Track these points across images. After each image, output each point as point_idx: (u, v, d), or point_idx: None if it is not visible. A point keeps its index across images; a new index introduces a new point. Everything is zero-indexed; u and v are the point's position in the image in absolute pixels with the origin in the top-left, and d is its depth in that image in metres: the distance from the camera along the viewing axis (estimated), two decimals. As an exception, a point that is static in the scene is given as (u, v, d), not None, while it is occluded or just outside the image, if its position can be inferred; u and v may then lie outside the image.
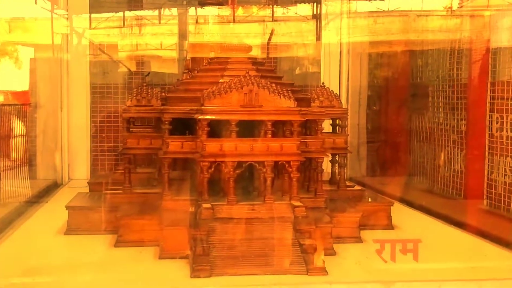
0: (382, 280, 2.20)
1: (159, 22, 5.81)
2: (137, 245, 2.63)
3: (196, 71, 3.48)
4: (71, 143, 4.34)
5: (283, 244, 2.41)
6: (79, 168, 4.38)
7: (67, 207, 2.90)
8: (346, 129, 3.12)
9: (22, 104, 4.74)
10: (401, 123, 4.74)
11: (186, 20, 5.18)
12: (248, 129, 2.63)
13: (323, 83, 3.25)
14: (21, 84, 4.76)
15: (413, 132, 4.59)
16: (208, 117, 2.57)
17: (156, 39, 5.43)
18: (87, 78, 4.40)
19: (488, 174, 3.77)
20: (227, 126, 2.58)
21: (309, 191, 2.88)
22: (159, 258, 2.47)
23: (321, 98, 3.04)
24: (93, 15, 4.79)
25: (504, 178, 3.57)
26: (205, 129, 2.56)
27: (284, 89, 2.66)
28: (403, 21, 4.94)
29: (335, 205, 2.88)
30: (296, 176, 2.62)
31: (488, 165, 3.77)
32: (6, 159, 4.43)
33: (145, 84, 3.13)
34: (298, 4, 5.48)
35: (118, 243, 2.66)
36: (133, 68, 5.07)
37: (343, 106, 3.21)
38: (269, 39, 4.53)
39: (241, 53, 2.95)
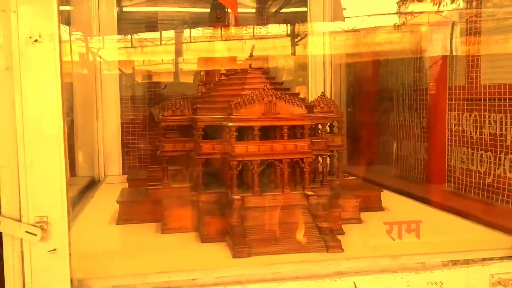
0: (389, 254, 2.22)
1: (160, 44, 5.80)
2: (180, 232, 2.62)
3: (212, 84, 3.47)
4: (105, 146, 4.28)
5: (304, 227, 2.42)
6: (112, 166, 4.33)
7: (118, 202, 2.87)
8: (342, 129, 3.13)
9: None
10: (373, 122, 4.78)
11: (181, 40, 5.17)
12: (267, 132, 2.62)
13: (322, 92, 3.26)
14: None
15: (384, 128, 4.62)
16: (236, 124, 2.56)
17: (158, 57, 5.40)
18: (117, 91, 4.34)
19: (448, 162, 3.81)
20: (251, 131, 2.57)
21: (315, 182, 2.88)
22: (202, 242, 2.47)
23: (321, 105, 3.05)
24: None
25: (461, 165, 3.62)
26: (234, 134, 2.56)
27: (296, 99, 2.66)
28: (370, 37, 4.95)
29: (337, 193, 2.89)
30: (308, 170, 2.63)
31: (448, 154, 3.81)
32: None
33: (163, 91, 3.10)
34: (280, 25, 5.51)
35: (164, 230, 2.64)
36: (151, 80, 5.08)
37: (341, 111, 3.21)
38: (251, 53, 4.48)
39: (256, 69, 2.93)
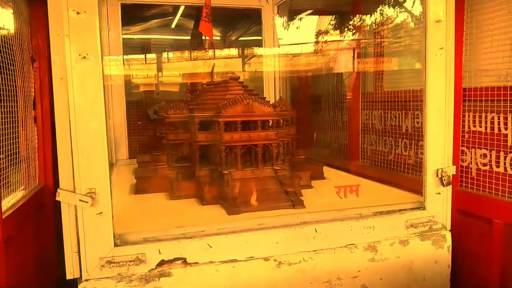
0: (336, 208, 2.28)
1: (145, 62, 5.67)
2: (184, 198, 2.57)
3: (198, 91, 3.43)
4: (115, 137, 4.15)
5: (276, 192, 2.44)
6: (121, 152, 4.20)
7: (136, 177, 2.80)
8: (294, 123, 3.15)
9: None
10: (309, 119, 4.83)
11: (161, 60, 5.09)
12: (246, 125, 2.61)
13: (280, 97, 3.27)
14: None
15: (317, 123, 4.69)
16: (224, 119, 2.54)
17: (152, 72, 5.29)
18: (123, 97, 4.21)
19: (361, 145, 3.90)
20: (234, 124, 2.56)
21: (278, 160, 2.88)
22: (203, 205, 2.44)
23: (281, 105, 3.06)
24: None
25: (369, 146, 3.72)
26: (223, 126, 2.54)
27: (265, 101, 2.67)
28: (302, 58, 5.02)
29: (295, 167, 2.91)
30: (275, 152, 2.64)
31: (361, 140, 3.90)
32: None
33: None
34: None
35: (172, 197, 2.60)
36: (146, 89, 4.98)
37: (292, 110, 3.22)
38: (212, 69, 4.45)
39: (235, 80, 2.90)
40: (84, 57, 1.75)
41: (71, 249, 1.84)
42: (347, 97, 4.20)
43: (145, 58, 5.03)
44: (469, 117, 2.75)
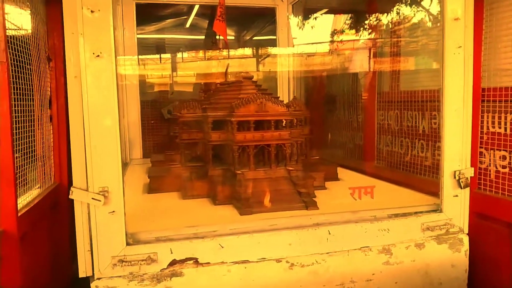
0: (350, 210, 2.24)
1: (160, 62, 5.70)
2: (196, 198, 2.57)
3: (211, 91, 3.42)
4: (130, 137, 4.18)
5: (289, 193, 2.41)
6: (135, 152, 4.22)
7: (149, 176, 2.80)
8: (308, 123, 3.12)
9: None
10: (325, 119, 4.78)
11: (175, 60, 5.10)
12: (260, 125, 2.60)
13: (294, 96, 3.24)
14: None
15: (331, 124, 4.64)
16: (237, 119, 2.53)
17: (167, 72, 5.31)
18: (137, 96, 4.23)
19: (377, 146, 3.85)
20: (247, 124, 2.55)
21: (292, 160, 2.86)
22: (215, 205, 2.43)
23: (294, 105, 3.03)
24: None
25: (385, 147, 3.66)
26: (235, 126, 2.53)
27: (278, 100, 2.64)
28: (327, 58, 4.98)
29: (308, 168, 2.88)
30: (288, 152, 2.62)
31: (377, 141, 3.85)
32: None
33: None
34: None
35: (184, 197, 2.59)
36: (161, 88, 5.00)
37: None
38: (226, 70, 4.45)
39: (248, 79, 2.89)
40: (98, 56, 1.76)
41: (83, 248, 1.85)
42: (363, 97, 4.15)
43: (160, 58, 5.05)
44: (488, 117, 2.69)
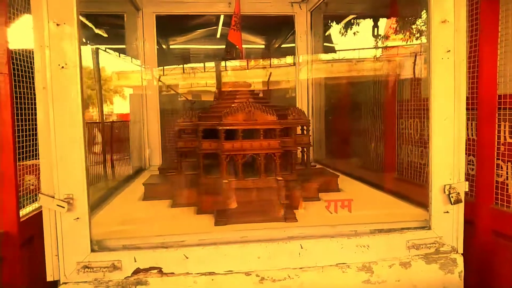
0: (329, 224, 2.13)
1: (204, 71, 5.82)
2: (184, 206, 2.55)
3: (220, 100, 3.41)
4: (150, 143, 4.29)
5: (271, 204, 2.34)
6: (155, 158, 4.32)
7: (144, 184, 2.84)
8: (309, 132, 3.02)
9: (125, 121, 4.79)
10: (346, 127, 4.64)
11: (219, 68, 5.16)
12: (250, 134, 2.55)
13: (295, 106, 3.15)
14: (125, 109, 4.80)
15: (353, 131, 4.49)
16: (225, 127, 2.50)
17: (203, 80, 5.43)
18: (157, 105, 4.34)
19: (397, 155, 3.67)
20: (236, 133, 2.51)
21: (287, 170, 2.78)
22: (197, 214, 2.41)
23: (293, 114, 2.95)
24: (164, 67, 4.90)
25: (407, 158, 3.47)
26: (223, 135, 2.50)
27: (269, 109, 2.58)
28: (347, 65, 4.86)
29: (304, 178, 2.78)
30: (278, 162, 2.54)
31: (397, 150, 3.67)
32: (118, 153, 4.56)
33: (190, 108, 3.09)
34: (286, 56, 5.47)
35: (173, 205, 2.59)
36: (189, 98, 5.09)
37: (308, 119, 3.09)
38: (268, 78, 4.41)
39: (244, 88, 2.86)
40: (63, 67, 1.81)
41: (51, 252, 1.89)
42: (384, 105, 3.97)
43: (183, 68, 5.17)
44: (505, 127, 2.47)
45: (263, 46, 6.69)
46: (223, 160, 2.51)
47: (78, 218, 1.87)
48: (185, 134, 3.03)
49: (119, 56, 5.01)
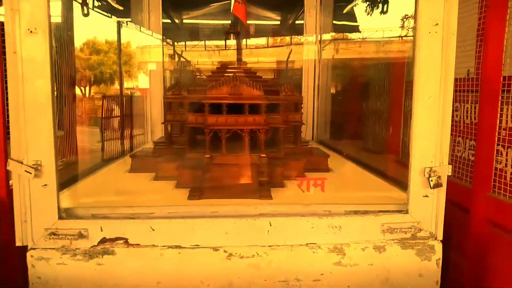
0: (302, 202, 2.06)
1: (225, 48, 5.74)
2: (167, 180, 2.51)
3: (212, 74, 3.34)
4: (152, 119, 4.29)
5: (248, 180, 2.29)
6: (157, 133, 4.32)
7: (130, 156, 2.84)
8: (301, 109, 2.92)
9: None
10: (352, 108, 4.51)
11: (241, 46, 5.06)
12: (235, 109, 2.49)
13: (288, 82, 3.03)
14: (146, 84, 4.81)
15: (359, 112, 4.35)
16: (208, 101, 2.45)
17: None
18: (161, 81, 4.32)
19: (402, 138, 3.52)
20: (221, 107, 2.46)
21: (275, 147, 2.71)
22: (175, 187, 2.38)
23: (286, 90, 2.86)
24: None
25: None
26: (208, 108, 2.45)
27: (256, 84, 2.51)
28: (357, 45, 4.69)
29: (292, 157, 2.71)
30: (264, 138, 2.48)
31: (402, 132, 3.52)
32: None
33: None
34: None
35: (155, 178, 2.58)
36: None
37: (301, 96, 2.99)
38: (288, 56, 4.33)
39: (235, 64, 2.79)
40: (32, 32, 1.79)
41: (20, 218, 1.90)
42: (391, 86, 3.81)
43: (185, 44, 5.10)
44: (508, 110, 2.32)
45: (278, 22, 6.53)
46: (207, 134, 2.46)
47: (46, 185, 1.87)
48: (174, 107, 2.98)
49: (140, 30, 4.98)
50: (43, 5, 1.79)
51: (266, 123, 2.49)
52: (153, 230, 1.91)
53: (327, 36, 4.46)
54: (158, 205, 2.02)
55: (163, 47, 4.42)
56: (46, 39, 1.80)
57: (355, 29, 4.60)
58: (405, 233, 1.97)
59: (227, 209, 2.01)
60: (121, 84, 4.64)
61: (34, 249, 1.90)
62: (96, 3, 4.50)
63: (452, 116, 2.83)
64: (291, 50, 5.09)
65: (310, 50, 4.48)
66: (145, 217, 1.94)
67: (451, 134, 2.80)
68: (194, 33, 5.97)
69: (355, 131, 4.42)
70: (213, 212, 1.99)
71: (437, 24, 1.86)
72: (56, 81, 3.41)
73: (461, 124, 2.72)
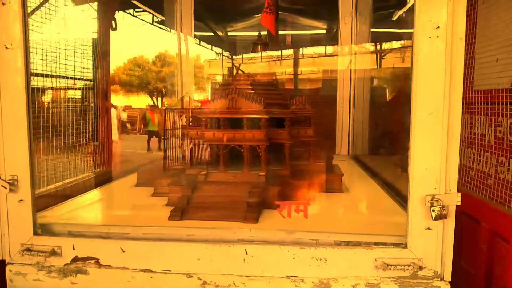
0: (287, 229, 1.84)
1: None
2: (163, 196, 2.39)
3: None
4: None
5: (237, 202, 2.11)
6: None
7: (137, 171, 2.79)
8: (313, 124, 2.68)
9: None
10: (390, 120, 4.15)
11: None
12: (237, 123, 2.35)
13: (300, 96, 2.80)
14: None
15: (399, 126, 3.98)
16: (205, 115, 2.34)
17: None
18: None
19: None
20: (223, 121, 2.33)
21: (283, 165, 2.50)
22: (166, 205, 2.26)
23: (297, 103, 2.65)
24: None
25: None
26: (204, 123, 2.34)
27: (257, 97, 2.34)
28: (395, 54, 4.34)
29: (299, 175, 2.48)
30: (264, 155, 2.31)
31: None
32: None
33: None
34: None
35: (153, 194, 2.49)
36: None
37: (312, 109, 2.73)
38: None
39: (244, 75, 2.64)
40: (7, 47, 1.79)
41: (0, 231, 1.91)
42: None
43: (260, 55, 5.06)
44: None
45: (324, 31, 6.30)
46: (205, 150, 2.35)
47: (21, 200, 1.85)
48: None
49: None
50: (18, 20, 1.78)
51: (266, 138, 2.31)
52: (124, 251, 1.81)
53: (364, 46, 4.16)
54: (133, 224, 1.92)
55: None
56: (22, 54, 1.79)
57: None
58: (403, 270, 1.68)
59: (204, 232, 1.86)
60: (182, 98, 4.70)
61: (12, 263, 1.88)
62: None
63: (494, 133, 2.48)
64: (351, 60, 4.81)
65: (345, 61, 4.21)
66: (119, 237, 1.85)
67: (494, 153, 2.45)
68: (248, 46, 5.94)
69: (392, 147, 4.06)
70: (189, 235, 1.85)
71: (439, 27, 1.57)
72: (93, 95, 3.52)
73: (504, 141, 2.34)
